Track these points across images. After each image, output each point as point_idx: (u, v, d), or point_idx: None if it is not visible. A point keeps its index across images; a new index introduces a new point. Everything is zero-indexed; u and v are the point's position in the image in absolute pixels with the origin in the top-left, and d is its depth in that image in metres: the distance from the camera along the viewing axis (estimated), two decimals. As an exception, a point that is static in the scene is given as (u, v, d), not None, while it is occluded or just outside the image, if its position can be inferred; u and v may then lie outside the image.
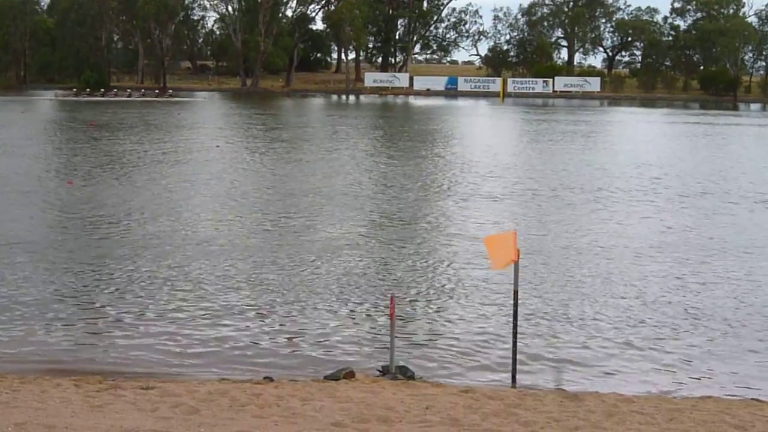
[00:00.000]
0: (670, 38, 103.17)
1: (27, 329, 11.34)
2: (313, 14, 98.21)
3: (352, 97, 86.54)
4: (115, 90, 77.13)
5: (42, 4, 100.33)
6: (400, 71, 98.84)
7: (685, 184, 25.71)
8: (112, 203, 20.79)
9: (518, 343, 9.72)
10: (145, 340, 11.04)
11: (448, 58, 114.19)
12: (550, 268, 15.02)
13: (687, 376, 10.17)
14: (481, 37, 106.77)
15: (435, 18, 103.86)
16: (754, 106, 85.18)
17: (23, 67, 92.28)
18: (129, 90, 77.88)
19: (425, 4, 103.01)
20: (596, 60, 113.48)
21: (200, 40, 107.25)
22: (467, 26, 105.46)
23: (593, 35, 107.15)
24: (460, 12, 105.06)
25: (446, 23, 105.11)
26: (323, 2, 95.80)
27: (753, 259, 16.14)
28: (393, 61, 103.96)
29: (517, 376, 9.63)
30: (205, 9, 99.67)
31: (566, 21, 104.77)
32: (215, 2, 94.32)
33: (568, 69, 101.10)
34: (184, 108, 60.16)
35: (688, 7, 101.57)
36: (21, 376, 9.45)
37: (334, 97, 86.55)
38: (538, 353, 10.75)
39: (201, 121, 48.87)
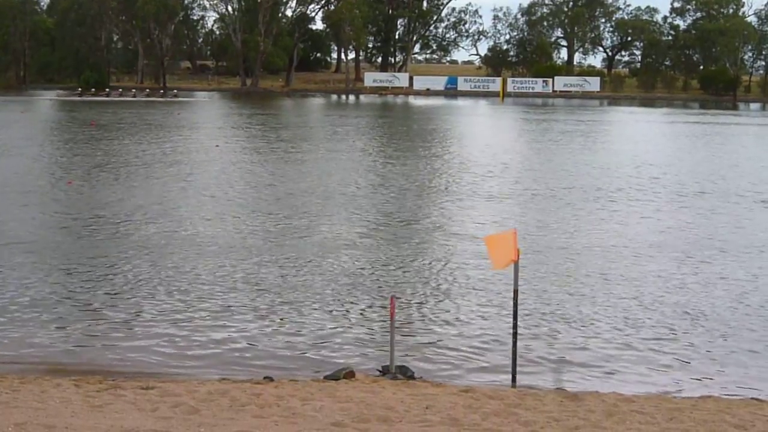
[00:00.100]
0: (670, 38, 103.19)
1: (27, 329, 11.34)
2: (313, 14, 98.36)
3: (351, 97, 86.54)
4: (120, 90, 77.01)
5: (41, 4, 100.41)
6: (399, 71, 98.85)
7: (684, 184, 25.71)
8: (111, 203, 20.78)
9: (518, 343, 9.71)
10: (145, 340, 11.04)
11: (448, 58, 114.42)
12: (549, 267, 15.02)
13: (687, 376, 10.18)
14: (481, 36, 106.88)
15: (435, 18, 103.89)
16: (754, 106, 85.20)
17: (23, 67, 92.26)
18: (134, 90, 77.76)
19: (425, 3, 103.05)
20: (596, 60, 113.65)
21: (200, 40, 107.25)
22: (467, 26, 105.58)
23: (593, 35, 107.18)
24: (459, 12, 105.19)
25: (446, 23, 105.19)
26: (323, 2, 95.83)
27: (753, 258, 16.15)
28: (393, 60, 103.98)
29: (517, 376, 9.63)
30: (204, 9, 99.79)
31: (566, 21, 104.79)
32: (215, 2, 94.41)
33: (568, 69, 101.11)
34: (183, 108, 60.16)
35: (688, 6, 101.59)
36: (21, 376, 9.45)
37: (334, 96, 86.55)
38: (538, 353, 10.75)
39: (201, 121, 48.89)
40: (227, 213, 19.79)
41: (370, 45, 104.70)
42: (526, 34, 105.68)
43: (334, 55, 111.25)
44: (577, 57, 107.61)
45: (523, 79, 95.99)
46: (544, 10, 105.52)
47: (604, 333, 11.61)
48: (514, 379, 9.60)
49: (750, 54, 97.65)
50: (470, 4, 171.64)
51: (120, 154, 31.10)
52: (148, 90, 79.46)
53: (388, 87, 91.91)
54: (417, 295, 13.29)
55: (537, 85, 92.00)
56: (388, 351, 9.92)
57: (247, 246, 16.41)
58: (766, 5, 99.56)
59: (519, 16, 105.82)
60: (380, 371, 9.87)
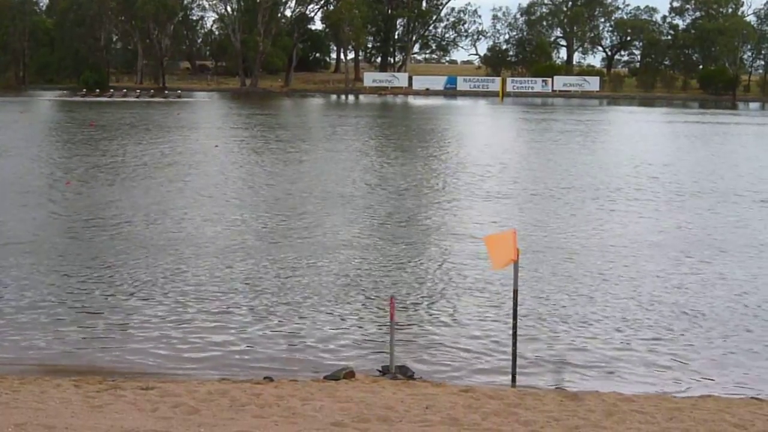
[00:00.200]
0: (669, 37, 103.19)
1: (26, 330, 11.34)
2: (312, 14, 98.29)
3: (351, 97, 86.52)
4: (125, 90, 76.77)
5: (41, 4, 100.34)
6: (399, 71, 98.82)
7: (683, 184, 25.72)
8: (110, 204, 20.78)
9: (518, 343, 9.72)
10: (145, 340, 11.04)
11: (447, 58, 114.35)
12: (549, 267, 15.03)
13: (686, 376, 10.18)
14: (480, 36, 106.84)
15: (434, 17, 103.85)
16: (753, 105, 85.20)
17: (22, 67, 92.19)
18: (138, 90, 77.59)
19: (424, 3, 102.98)
20: (595, 59, 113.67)
21: (199, 41, 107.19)
22: (466, 26, 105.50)
23: (592, 35, 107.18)
24: (459, 11, 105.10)
25: (445, 23, 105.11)
26: (322, 2, 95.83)
27: (752, 258, 16.15)
28: (392, 60, 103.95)
29: (517, 376, 9.63)
30: (204, 9, 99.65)
31: (565, 20, 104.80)
32: (214, 2, 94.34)
33: (567, 68, 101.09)
34: (183, 108, 60.14)
35: (687, 6, 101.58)
36: (21, 376, 9.45)
37: (333, 96, 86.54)
38: (538, 353, 10.76)
39: (200, 121, 48.88)
40: (226, 213, 19.79)
41: (370, 45, 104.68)
42: (525, 33, 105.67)
43: (334, 55, 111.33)
44: (576, 57, 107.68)
45: (523, 78, 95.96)
46: (544, 10, 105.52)
47: (603, 333, 11.61)
48: (514, 379, 9.60)
49: (749, 53, 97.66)
50: (469, 3, 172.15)
51: (119, 154, 31.09)
52: (152, 91, 79.33)
53: (387, 87, 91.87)
54: (417, 295, 13.29)
55: (536, 84, 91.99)
56: (387, 351, 9.92)
57: (246, 246, 16.41)
58: (765, 5, 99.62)
59: (518, 15, 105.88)
60: (380, 371, 9.87)
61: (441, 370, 10.18)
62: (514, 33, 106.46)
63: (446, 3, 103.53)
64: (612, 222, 19.55)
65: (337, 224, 18.69)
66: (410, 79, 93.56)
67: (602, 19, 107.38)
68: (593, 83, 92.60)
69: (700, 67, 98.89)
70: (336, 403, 8.38)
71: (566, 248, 16.61)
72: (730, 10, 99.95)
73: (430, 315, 12.30)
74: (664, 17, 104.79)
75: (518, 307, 9.73)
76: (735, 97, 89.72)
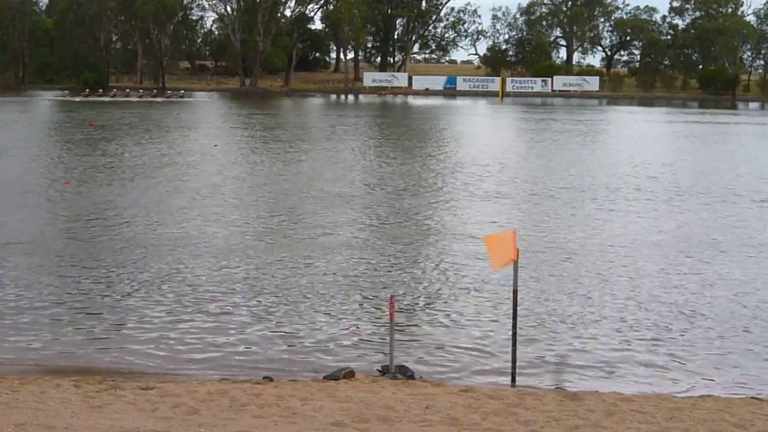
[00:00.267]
0: (669, 37, 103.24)
1: (26, 330, 11.34)
2: (312, 14, 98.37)
3: (350, 97, 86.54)
4: (128, 90, 76.68)
5: (40, 4, 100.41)
6: (398, 71, 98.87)
7: (682, 183, 25.72)
8: (109, 204, 20.77)
9: (518, 343, 9.72)
10: (145, 340, 11.03)
11: (447, 58, 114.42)
12: (548, 267, 15.03)
13: (686, 375, 10.18)
14: (480, 36, 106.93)
15: (434, 17, 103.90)
16: (753, 105, 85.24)
17: (22, 67, 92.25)
18: (141, 90, 77.49)
19: (424, 3, 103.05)
20: (595, 59, 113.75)
21: (199, 40, 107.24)
22: (466, 26, 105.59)
23: (592, 34, 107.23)
24: (458, 11, 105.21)
25: (445, 23, 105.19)
26: (322, 2, 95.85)
27: (752, 257, 16.16)
28: (392, 60, 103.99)
29: (517, 376, 9.63)
30: (203, 9, 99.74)
31: (565, 20, 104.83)
32: (214, 2, 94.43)
33: (567, 68, 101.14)
34: (183, 108, 60.14)
35: (687, 6, 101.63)
36: (21, 376, 9.45)
37: (333, 96, 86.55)
38: (537, 353, 10.76)
39: (199, 121, 48.88)
40: (225, 213, 19.79)
41: (369, 45, 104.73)
42: (525, 33, 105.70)
43: (333, 55, 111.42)
44: (576, 56, 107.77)
45: (522, 78, 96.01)
46: (543, 10, 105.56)
47: (603, 333, 11.61)
48: (513, 379, 9.60)
49: (749, 53, 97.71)
50: (469, 3, 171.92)
51: (118, 154, 31.09)
52: (156, 91, 79.24)
53: (387, 87, 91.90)
54: (416, 295, 13.29)
55: (536, 84, 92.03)
56: (387, 351, 9.92)
57: (245, 246, 16.41)
58: (764, 4, 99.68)
59: (518, 15, 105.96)
60: (380, 371, 9.87)
61: (441, 370, 10.18)
62: (514, 33, 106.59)
63: (446, 3, 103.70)
64: (611, 222, 19.55)
65: (337, 224, 18.69)
66: (410, 79, 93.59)
67: (602, 19, 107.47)
68: (593, 83, 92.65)
69: (700, 66, 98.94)
70: (336, 403, 8.39)
71: (566, 248, 16.61)
72: (729, 9, 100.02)
73: (430, 315, 12.30)
74: (664, 17, 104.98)
75: (518, 307, 9.73)
76: (735, 96, 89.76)
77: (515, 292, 9.60)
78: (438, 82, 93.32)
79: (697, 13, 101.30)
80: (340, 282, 13.92)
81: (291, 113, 61.23)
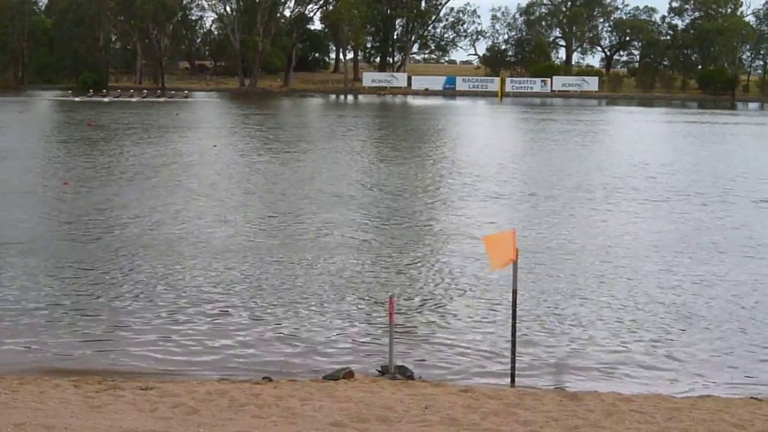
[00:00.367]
0: (668, 38, 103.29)
1: (25, 330, 11.33)
2: (311, 14, 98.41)
3: (350, 97, 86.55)
4: (132, 90, 76.61)
5: (40, 4, 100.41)
6: (398, 71, 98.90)
7: (682, 184, 25.73)
8: (107, 204, 20.77)
9: (517, 343, 9.71)
10: (144, 340, 11.03)
11: (446, 58, 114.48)
12: (547, 268, 15.03)
13: (685, 376, 10.19)
14: (479, 36, 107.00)
15: (433, 18, 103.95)
16: (752, 105, 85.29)
17: (21, 67, 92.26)
18: (145, 90, 77.36)
19: (423, 3, 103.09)
20: (594, 59, 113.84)
21: (198, 40, 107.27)
22: (465, 26, 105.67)
23: (591, 35, 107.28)
24: (458, 12, 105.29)
25: (444, 23, 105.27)
26: (321, 2, 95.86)
27: (751, 258, 16.16)
28: (391, 60, 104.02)
29: (516, 376, 9.63)
30: (203, 9, 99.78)
31: (564, 20, 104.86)
32: (213, 2, 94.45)
33: (566, 68, 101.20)
34: (182, 108, 60.13)
35: (686, 6, 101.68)
36: (20, 376, 9.44)
37: (333, 96, 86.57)
38: (537, 353, 10.76)
39: (199, 122, 48.87)
40: (224, 214, 19.78)
41: (369, 45, 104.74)
42: (524, 33, 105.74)
43: (333, 55, 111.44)
44: (575, 57, 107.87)
45: (522, 78, 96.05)
46: (543, 10, 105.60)
47: (602, 333, 11.62)
48: (513, 379, 9.60)
49: (748, 54, 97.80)
50: (468, 3, 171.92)
51: (117, 154, 31.08)
52: (159, 91, 79.09)
53: (386, 87, 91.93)
54: (416, 295, 13.29)
55: (535, 84, 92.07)
56: (387, 351, 9.92)
57: (244, 247, 16.41)
58: (764, 5, 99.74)
59: (517, 15, 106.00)
60: (379, 371, 9.87)
61: (440, 370, 10.18)
62: (513, 33, 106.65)
63: (445, 3, 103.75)
64: (610, 222, 19.55)
65: (336, 225, 18.69)
66: (409, 79, 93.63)
67: (601, 19, 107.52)
68: (592, 83, 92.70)
69: (699, 67, 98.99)
70: (335, 403, 8.39)
71: (565, 248, 16.61)
72: (729, 10, 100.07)
73: (429, 315, 12.30)
74: (663, 17, 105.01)
75: (517, 308, 9.73)
76: (734, 97, 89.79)
77: (515, 292, 9.60)
78: (437, 83, 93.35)
79: (697, 14, 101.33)
80: (339, 282, 13.92)
81: (290, 113, 61.22)
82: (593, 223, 19.46)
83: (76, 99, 68.64)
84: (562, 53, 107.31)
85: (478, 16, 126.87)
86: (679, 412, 8.40)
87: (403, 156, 32.28)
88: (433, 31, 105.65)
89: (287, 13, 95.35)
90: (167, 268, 14.60)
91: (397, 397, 8.69)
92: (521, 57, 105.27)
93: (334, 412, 8.08)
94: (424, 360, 10.45)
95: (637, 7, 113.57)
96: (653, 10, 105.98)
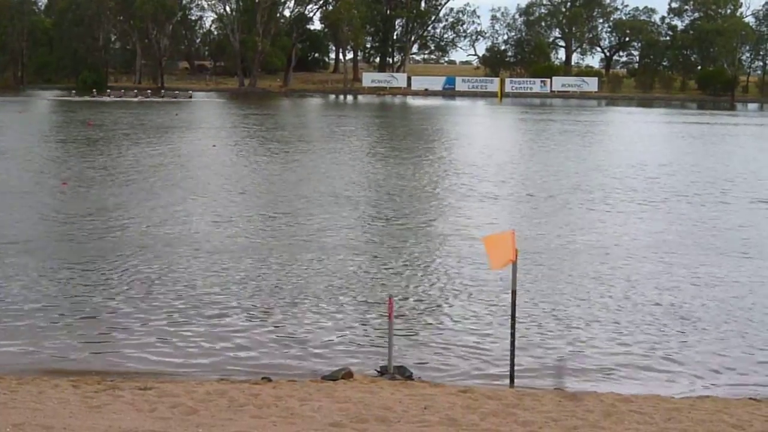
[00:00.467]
0: (668, 38, 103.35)
1: (24, 330, 11.32)
2: (311, 14, 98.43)
3: (349, 97, 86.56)
4: (135, 91, 76.50)
5: (39, 4, 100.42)
6: (397, 71, 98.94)
7: (681, 184, 25.74)
8: (106, 204, 20.76)
9: (516, 343, 9.71)
10: (143, 340, 11.02)
11: (446, 58, 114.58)
12: (546, 268, 15.03)
13: (684, 376, 10.19)
14: (479, 37, 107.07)
15: (433, 18, 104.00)
16: (752, 106, 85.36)
17: (20, 67, 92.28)
18: (149, 91, 77.26)
19: (423, 4, 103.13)
20: (594, 60, 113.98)
21: (198, 40, 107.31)
22: (465, 26, 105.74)
23: (591, 35, 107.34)
24: (457, 12, 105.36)
25: (444, 23, 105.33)
26: (321, 2, 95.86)
27: (750, 258, 16.16)
28: (391, 61, 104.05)
29: (516, 376, 9.63)
30: (202, 9, 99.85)
31: (564, 21, 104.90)
32: (213, 2, 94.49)
33: (566, 69, 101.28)
34: (181, 108, 60.12)
35: (686, 7, 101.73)
36: (19, 376, 9.44)
37: (332, 97, 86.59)
38: (536, 353, 10.75)
39: (198, 122, 48.87)
40: (223, 214, 19.78)
41: (368, 45, 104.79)
42: (524, 34, 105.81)
43: (332, 56, 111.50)
44: (575, 57, 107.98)
45: (521, 79, 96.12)
46: (542, 11, 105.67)
47: (601, 333, 11.62)
48: (512, 380, 9.60)
49: (748, 54, 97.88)
50: (468, 4, 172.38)
51: (116, 154, 31.08)
52: (163, 91, 79.01)
53: (386, 87, 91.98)
54: (415, 296, 13.29)
55: (535, 85, 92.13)
56: (386, 351, 9.92)
57: (243, 247, 16.41)
58: (763, 5, 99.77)
59: (517, 16, 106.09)
60: (378, 372, 9.87)
61: (439, 370, 10.18)
62: (513, 33, 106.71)
63: (445, 3, 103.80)
64: (608, 223, 19.55)
65: (335, 225, 18.68)
66: (409, 79, 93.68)
67: (601, 20, 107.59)
68: (592, 84, 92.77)
69: (699, 67, 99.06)
70: (334, 403, 8.39)
71: (563, 249, 16.61)
72: (728, 11, 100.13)
73: (429, 315, 12.30)
74: (663, 18, 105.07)
75: (516, 308, 9.73)
76: (733, 97, 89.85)
77: (514, 292, 9.60)
78: (437, 83, 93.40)
79: (696, 14, 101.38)
80: (338, 282, 13.91)
81: (290, 113, 61.23)
82: (592, 223, 19.45)
83: (75, 99, 68.58)
84: (561, 54, 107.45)
85: (478, 17, 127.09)
86: (678, 413, 8.41)
87: (402, 156, 32.28)
88: (432, 31, 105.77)
89: (287, 13, 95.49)
90: (166, 268, 14.59)
91: (396, 397, 8.69)
92: (521, 57, 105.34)
93: (333, 412, 8.08)
94: (423, 360, 10.45)
95: (637, 7, 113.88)
96: (653, 10, 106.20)
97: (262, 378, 9.56)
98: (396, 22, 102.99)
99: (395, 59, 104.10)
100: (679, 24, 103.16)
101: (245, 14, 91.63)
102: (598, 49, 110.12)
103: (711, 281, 14.41)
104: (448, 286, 13.82)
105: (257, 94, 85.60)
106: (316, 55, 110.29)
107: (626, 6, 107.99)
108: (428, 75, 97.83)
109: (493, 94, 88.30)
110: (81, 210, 19.93)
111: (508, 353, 9.71)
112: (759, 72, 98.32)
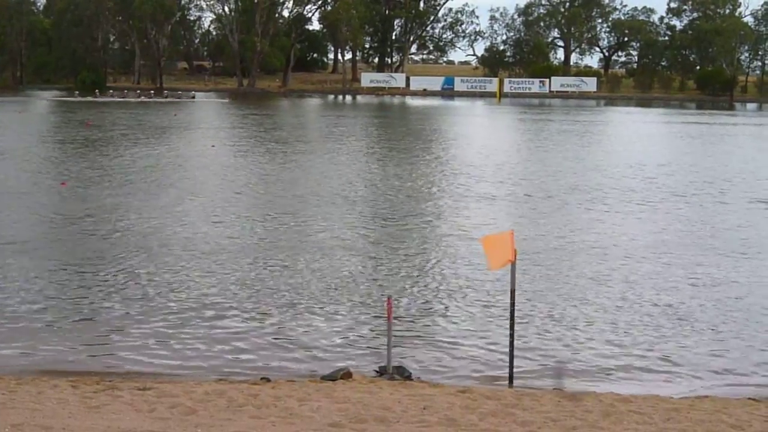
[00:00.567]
0: (667, 38, 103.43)
1: (22, 330, 11.32)
2: (310, 14, 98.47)
3: (348, 98, 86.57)
4: (138, 91, 76.41)
5: (38, 4, 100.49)
6: (396, 71, 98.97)
7: (679, 185, 25.75)
8: (105, 205, 20.75)
9: (515, 343, 9.72)
10: (142, 340, 11.02)
11: (445, 59, 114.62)
12: (545, 268, 15.03)
13: (683, 376, 10.19)
14: (478, 37, 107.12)
15: (431, 18, 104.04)
16: (750, 106, 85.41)
17: (20, 67, 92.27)
18: (152, 91, 77.18)
19: (422, 4, 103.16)
20: (593, 60, 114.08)
21: (197, 41, 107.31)
22: (464, 26, 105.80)
23: (590, 35, 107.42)
24: (456, 12, 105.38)
25: (443, 23, 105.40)
26: (320, 2, 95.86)
27: (748, 258, 16.17)
28: (389, 61, 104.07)
29: (515, 377, 9.63)
30: (201, 9, 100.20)
31: (563, 21, 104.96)
32: (212, 2, 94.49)
33: (565, 69, 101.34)
34: (180, 109, 60.11)
35: (685, 7, 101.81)
36: (18, 377, 9.43)
37: (331, 97, 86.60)
38: (535, 353, 10.76)
39: (197, 122, 48.85)
40: (222, 214, 19.77)
41: (367, 45, 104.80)
42: (522, 34, 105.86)
43: (331, 56, 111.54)
44: (573, 57, 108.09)
45: (520, 79, 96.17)
46: (541, 11, 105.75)
47: (600, 333, 11.62)
48: (511, 380, 9.61)
49: (746, 54, 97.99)
50: (467, 4, 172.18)
51: (115, 155, 31.06)
52: (167, 92, 78.95)
53: (385, 87, 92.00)
54: (414, 296, 13.29)
55: (534, 85, 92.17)
56: (385, 352, 9.92)
57: (242, 247, 16.40)
58: (762, 5, 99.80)
59: (516, 16, 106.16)
60: (377, 372, 9.87)
61: (438, 370, 10.18)
62: (512, 34, 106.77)
63: (444, 3, 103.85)
64: (607, 223, 19.55)
65: (333, 225, 18.68)
66: (407, 79, 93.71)
67: (599, 20, 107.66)
68: (590, 84, 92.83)
69: (698, 67, 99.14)
70: (333, 403, 8.39)
71: (562, 249, 16.61)
72: (727, 11, 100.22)
73: (428, 315, 12.30)
74: (662, 18, 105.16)
75: (515, 308, 9.73)
76: (732, 97, 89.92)
77: (513, 292, 9.60)
78: (436, 83, 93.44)
79: (695, 14, 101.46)
80: (337, 283, 13.91)
81: (289, 114, 61.22)
82: (590, 223, 19.46)
83: (73, 99, 68.52)
84: (560, 54, 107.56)
85: (477, 17, 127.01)
86: (677, 413, 8.41)
87: (400, 157, 32.28)
88: (431, 31, 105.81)
89: (286, 13, 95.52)
90: (165, 268, 14.58)
91: (395, 397, 8.69)
92: (519, 57, 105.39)
93: (332, 412, 8.08)
94: (422, 361, 10.45)
95: (636, 7, 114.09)
96: (651, 10, 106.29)
97: (261, 378, 9.56)
98: (395, 23, 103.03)
99: (394, 59, 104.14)
100: (677, 24, 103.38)
101: (244, 14, 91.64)
102: (597, 49, 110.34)
103: (709, 281, 14.42)
104: (447, 286, 13.82)
105: (256, 94, 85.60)
106: (315, 55, 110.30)
107: (625, 6, 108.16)
108: (427, 75, 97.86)
109: (491, 94, 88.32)
110: (79, 210, 19.92)
111: (507, 353, 9.71)
112: (758, 72, 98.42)
